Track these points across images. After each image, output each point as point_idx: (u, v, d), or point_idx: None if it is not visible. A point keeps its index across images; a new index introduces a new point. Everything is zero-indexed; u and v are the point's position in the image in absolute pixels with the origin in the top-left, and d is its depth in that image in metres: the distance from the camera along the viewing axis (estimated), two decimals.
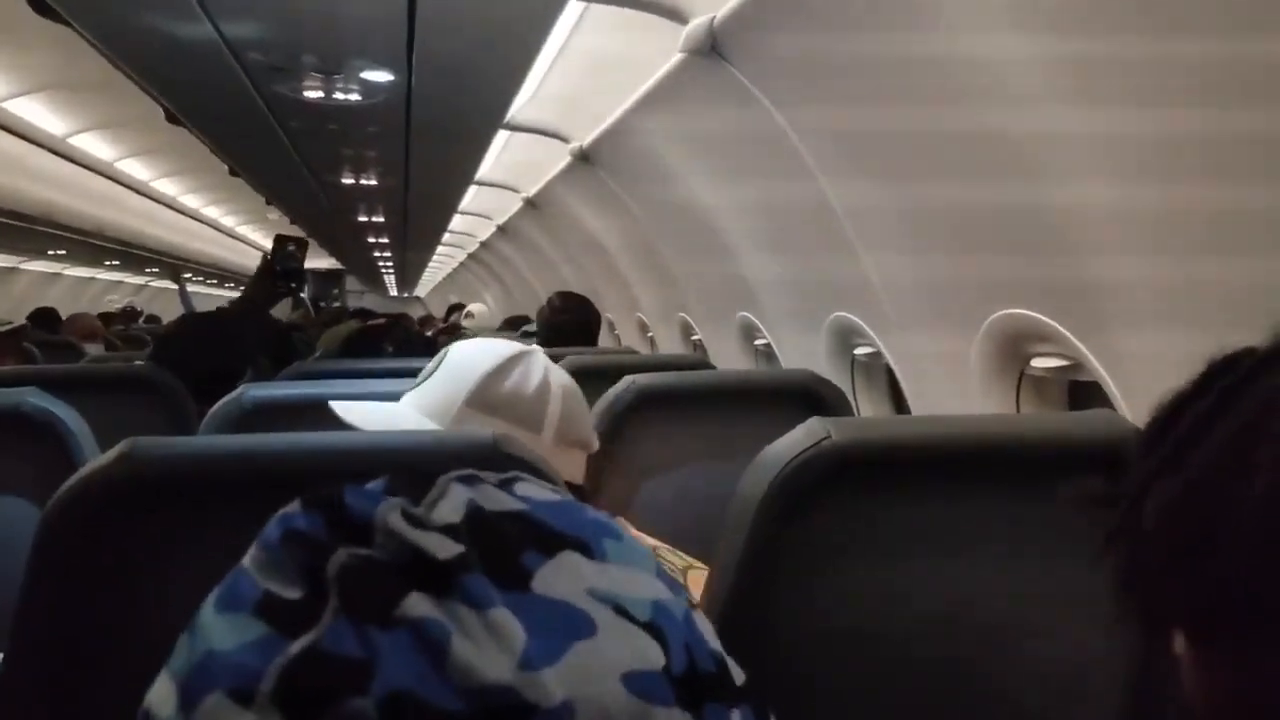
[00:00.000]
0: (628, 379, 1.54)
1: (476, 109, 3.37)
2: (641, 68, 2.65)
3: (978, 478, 0.91)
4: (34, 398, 1.41)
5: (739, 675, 0.43)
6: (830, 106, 2.07)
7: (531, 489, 0.44)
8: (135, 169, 6.05)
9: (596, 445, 1.20)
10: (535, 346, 1.19)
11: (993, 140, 1.60)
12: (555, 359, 1.27)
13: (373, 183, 5.07)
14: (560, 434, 1.14)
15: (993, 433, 0.95)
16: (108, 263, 9.83)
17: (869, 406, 2.75)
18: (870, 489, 0.88)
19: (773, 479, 0.85)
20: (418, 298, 16.96)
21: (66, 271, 10.30)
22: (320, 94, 3.12)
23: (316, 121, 3.54)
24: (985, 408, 1.88)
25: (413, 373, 1.82)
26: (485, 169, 4.71)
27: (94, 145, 5.23)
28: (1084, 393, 1.85)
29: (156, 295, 13.29)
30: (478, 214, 6.65)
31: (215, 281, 13.53)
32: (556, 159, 4.02)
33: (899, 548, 0.90)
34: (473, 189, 5.42)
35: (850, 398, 2.55)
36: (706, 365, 2.48)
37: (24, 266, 9.21)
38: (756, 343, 3.37)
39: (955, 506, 0.90)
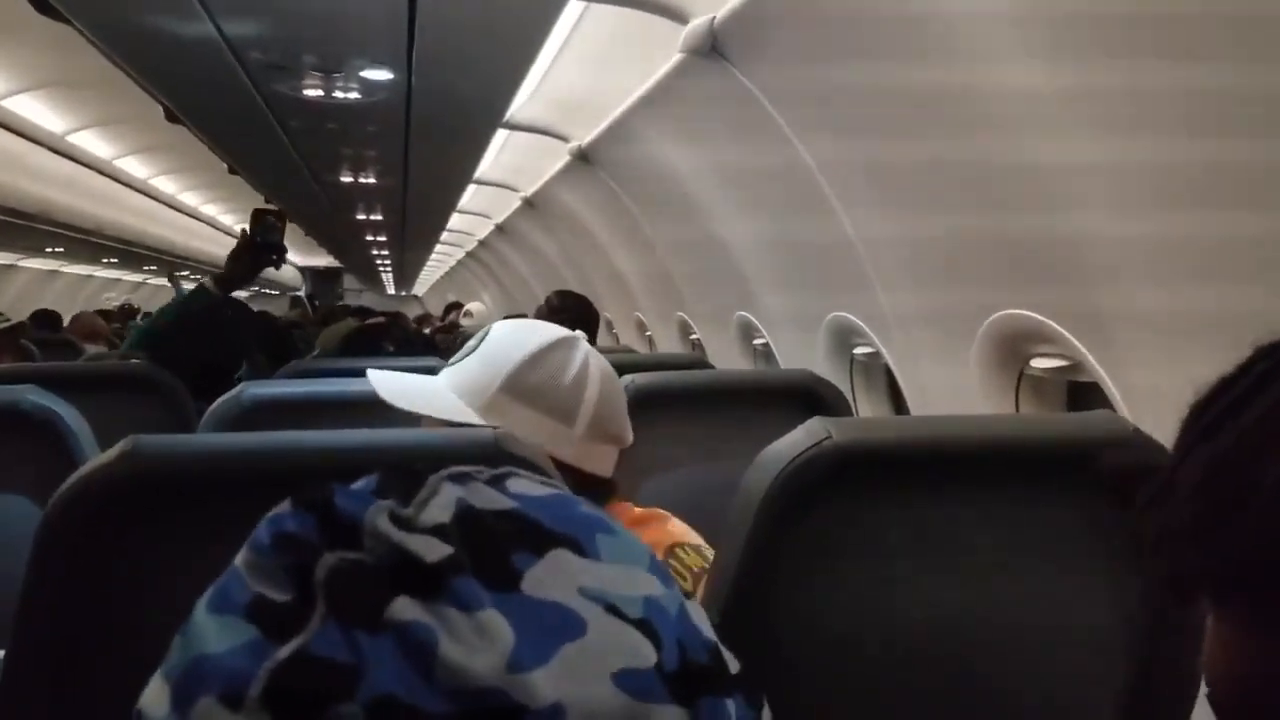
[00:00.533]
0: (626, 378, 1.54)
1: (476, 108, 3.37)
2: (641, 67, 2.65)
3: (979, 478, 0.91)
4: (34, 395, 1.41)
5: (733, 663, 0.43)
6: (831, 106, 2.07)
7: (524, 484, 0.44)
8: (134, 167, 6.05)
9: (630, 440, 1.16)
10: (579, 333, 1.16)
11: (995, 140, 1.60)
12: None
13: (372, 181, 5.07)
14: (593, 426, 1.11)
15: (994, 433, 0.95)
16: (105, 260, 9.83)
17: (868, 407, 2.75)
18: (871, 489, 0.88)
19: (774, 478, 0.85)
20: (415, 296, 16.95)
21: (64, 269, 10.30)
22: (320, 92, 3.12)
23: (316, 120, 3.53)
24: (984, 408, 1.89)
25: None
26: (484, 168, 4.71)
27: (93, 143, 5.23)
28: (1083, 393, 1.85)
29: (154, 293, 13.28)
30: (476, 213, 6.64)
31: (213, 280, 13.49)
32: (555, 158, 4.02)
33: (899, 547, 0.90)
34: (471, 188, 5.43)
35: (849, 398, 2.55)
36: (705, 365, 2.48)
37: (22, 264, 9.20)
38: (755, 342, 3.37)
39: (956, 507, 0.90)
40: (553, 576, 0.40)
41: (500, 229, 6.61)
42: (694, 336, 4.03)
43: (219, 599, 0.40)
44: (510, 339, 1.13)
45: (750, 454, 0.89)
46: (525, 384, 1.09)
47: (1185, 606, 0.48)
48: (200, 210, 7.96)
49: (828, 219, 2.23)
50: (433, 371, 1.19)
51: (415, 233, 7.75)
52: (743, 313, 3.27)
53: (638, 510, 1.19)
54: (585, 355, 1.13)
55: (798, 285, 2.80)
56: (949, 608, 0.90)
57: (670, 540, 1.16)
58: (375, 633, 0.36)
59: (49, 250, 8.20)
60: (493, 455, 0.83)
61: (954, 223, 1.85)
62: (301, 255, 14.23)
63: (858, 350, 2.62)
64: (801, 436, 0.86)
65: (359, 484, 0.43)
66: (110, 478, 0.79)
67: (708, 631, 0.43)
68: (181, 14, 2.40)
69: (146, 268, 10.69)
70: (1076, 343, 1.59)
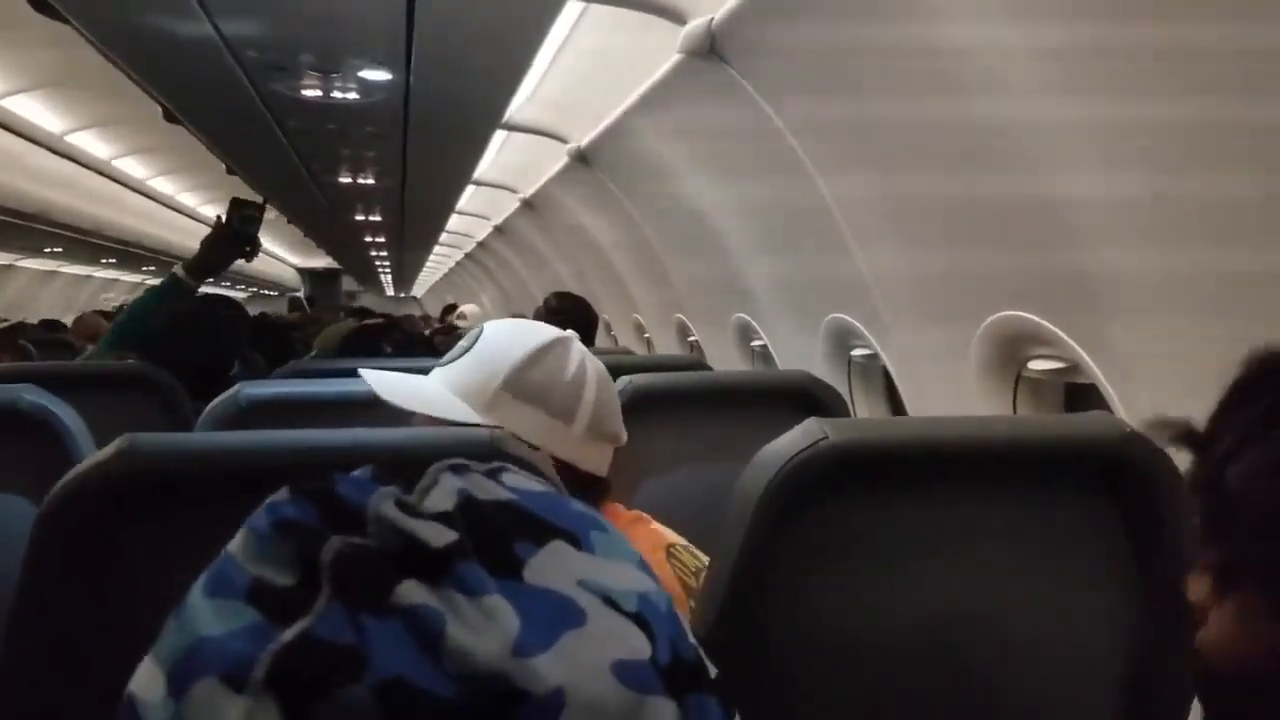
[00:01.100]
0: (624, 379, 1.54)
1: (475, 108, 3.37)
2: (640, 68, 2.65)
3: (976, 479, 0.91)
4: (30, 394, 1.40)
5: (711, 669, 0.44)
6: (829, 107, 2.07)
7: (519, 479, 0.45)
8: (132, 167, 6.04)
9: (625, 439, 1.17)
10: (571, 333, 1.16)
11: (992, 142, 1.60)
12: None
13: (370, 182, 5.07)
14: (592, 425, 1.11)
15: (991, 434, 0.95)
16: (104, 261, 9.82)
17: (865, 408, 2.75)
18: (868, 490, 0.88)
19: (770, 479, 0.85)
20: (414, 297, 16.95)
21: (63, 269, 10.29)
22: (318, 93, 3.12)
23: (314, 120, 3.54)
24: (982, 409, 1.89)
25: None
26: (483, 169, 4.71)
27: (91, 143, 5.23)
28: (1080, 395, 1.85)
29: None
30: (475, 214, 6.65)
31: (211, 280, 13.49)
32: (554, 159, 4.02)
33: (896, 548, 0.90)
34: (470, 189, 5.42)
35: (847, 399, 2.55)
36: (703, 366, 2.48)
37: (20, 264, 9.19)
38: (753, 344, 3.37)
39: (953, 507, 0.91)
40: (553, 566, 0.40)
41: (499, 230, 6.61)
42: (692, 338, 4.03)
43: (215, 583, 0.40)
44: (507, 338, 1.13)
45: (748, 455, 0.89)
46: (526, 382, 1.09)
47: (1226, 593, 0.53)
48: (199, 211, 7.95)
49: (827, 220, 2.23)
50: (429, 373, 1.18)
51: (414, 234, 7.75)
52: (740, 314, 3.28)
53: (626, 514, 1.19)
54: (582, 355, 1.14)
55: (796, 287, 2.81)
56: (946, 607, 0.90)
57: (666, 541, 1.16)
58: (382, 616, 0.37)
59: (47, 251, 8.20)
60: (489, 456, 0.82)
61: (953, 225, 1.85)
62: (300, 256, 14.23)
63: (856, 352, 2.62)
64: (798, 437, 0.86)
65: (356, 473, 0.43)
66: (107, 475, 0.79)
67: (690, 635, 0.44)
68: (180, 13, 2.40)
69: (145, 268, 10.68)
70: (1074, 344, 1.59)
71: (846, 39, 1.81)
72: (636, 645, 0.40)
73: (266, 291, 16.20)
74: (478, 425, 1.05)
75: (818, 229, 2.29)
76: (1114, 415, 1.12)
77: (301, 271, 16.31)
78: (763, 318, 3.13)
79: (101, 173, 5.65)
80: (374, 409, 1.18)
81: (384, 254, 9.99)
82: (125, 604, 0.81)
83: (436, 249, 9.66)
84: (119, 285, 12.56)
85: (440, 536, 0.39)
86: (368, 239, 8.34)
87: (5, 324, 3.49)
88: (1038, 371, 1.80)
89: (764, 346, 3.22)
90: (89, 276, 11.32)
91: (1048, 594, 0.92)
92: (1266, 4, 1.07)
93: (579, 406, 1.10)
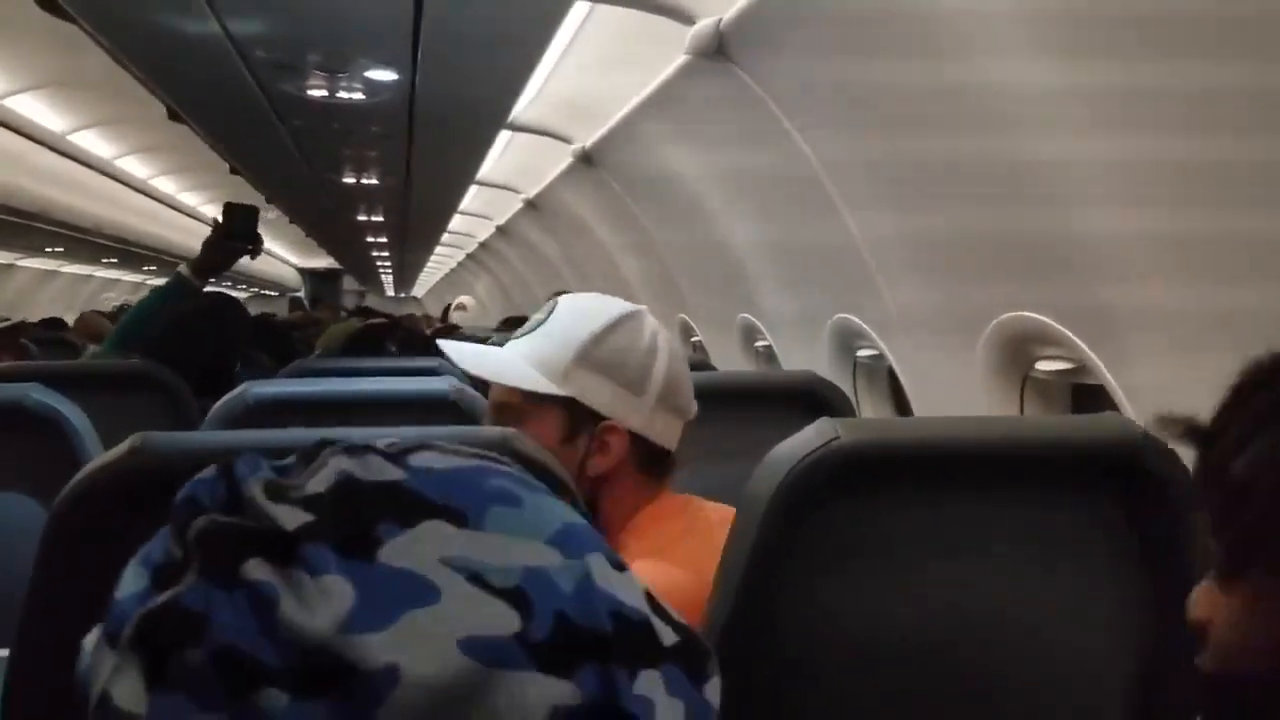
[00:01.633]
0: None
1: (480, 109, 3.37)
2: (646, 69, 2.65)
3: (988, 480, 0.91)
4: (37, 394, 1.40)
5: (666, 636, 0.44)
6: (837, 107, 2.07)
7: (430, 457, 0.47)
8: (134, 166, 6.04)
9: (694, 412, 1.19)
10: (643, 307, 1.19)
11: (999, 144, 1.60)
12: None
13: (374, 182, 5.07)
14: (663, 396, 1.14)
15: (1004, 434, 0.95)
16: (105, 260, 9.82)
17: (870, 409, 2.75)
18: (879, 490, 0.88)
19: (781, 479, 0.85)
20: (415, 297, 16.95)
21: (64, 269, 10.29)
22: (324, 92, 3.12)
23: (319, 120, 3.53)
24: (988, 411, 1.88)
25: (415, 373, 1.81)
26: (486, 169, 4.70)
27: (93, 142, 5.23)
28: (1087, 396, 1.85)
29: None
30: (477, 214, 6.64)
31: (213, 280, 13.48)
32: (558, 160, 4.02)
33: (907, 548, 0.90)
34: (473, 189, 5.42)
35: (852, 400, 2.55)
36: (707, 366, 2.48)
37: (21, 263, 9.19)
38: (757, 344, 3.37)
39: (964, 508, 0.90)
40: (414, 547, 0.42)
41: (501, 230, 6.61)
42: (695, 339, 4.03)
43: (143, 552, 0.45)
44: (582, 311, 1.17)
45: (754, 455, 0.89)
46: (599, 354, 1.12)
47: (1236, 574, 0.55)
48: (201, 210, 7.95)
49: (833, 221, 2.23)
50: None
51: (416, 234, 7.75)
52: (745, 315, 3.27)
53: (675, 497, 1.19)
54: (655, 327, 1.17)
55: (801, 287, 2.80)
56: (958, 608, 0.90)
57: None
58: (231, 590, 0.41)
59: (48, 250, 8.20)
60: (501, 453, 0.82)
61: (960, 224, 1.85)
62: (301, 256, 14.23)
63: (861, 353, 2.62)
64: (810, 436, 0.86)
65: (286, 460, 0.47)
66: (118, 474, 0.79)
67: (630, 602, 0.44)
68: (188, 13, 2.40)
69: (146, 268, 10.68)
70: (1082, 345, 1.59)
71: (857, 42, 1.81)
72: (498, 621, 0.41)
73: (267, 291, 16.19)
74: (552, 395, 1.11)
75: (825, 230, 2.28)
76: (1125, 416, 1.12)
77: (302, 271, 16.30)
78: (767, 318, 3.13)
79: (103, 172, 5.64)
80: (381, 408, 1.18)
81: (385, 254, 9.99)
82: None
83: (438, 249, 9.66)
84: (120, 285, 12.56)
85: (294, 519, 0.42)
86: (370, 239, 8.34)
87: (6, 323, 3.48)
88: (1045, 372, 1.80)
89: (768, 347, 3.22)
90: (90, 276, 11.32)
91: (1060, 595, 0.92)
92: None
93: (650, 378, 1.13)
